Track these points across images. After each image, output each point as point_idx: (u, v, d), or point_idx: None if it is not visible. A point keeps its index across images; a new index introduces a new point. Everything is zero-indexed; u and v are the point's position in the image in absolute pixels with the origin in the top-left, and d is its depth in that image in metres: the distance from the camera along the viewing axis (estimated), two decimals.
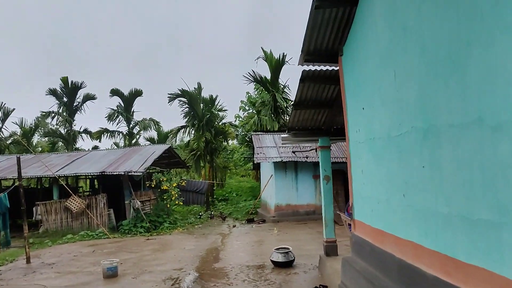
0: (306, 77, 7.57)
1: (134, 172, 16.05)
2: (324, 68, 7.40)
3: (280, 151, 17.47)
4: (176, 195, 17.46)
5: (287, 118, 24.24)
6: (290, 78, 39.33)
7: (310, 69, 7.38)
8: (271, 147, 17.94)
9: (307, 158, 16.69)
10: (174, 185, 17.46)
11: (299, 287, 7.95)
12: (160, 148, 18.55)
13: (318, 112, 8.90)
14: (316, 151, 10.28)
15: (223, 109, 25.05)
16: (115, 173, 16.17)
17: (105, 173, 16.39)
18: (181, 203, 18.19)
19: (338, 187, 17.40)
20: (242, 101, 27.67)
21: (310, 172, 17.28)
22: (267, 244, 12.67)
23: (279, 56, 23.34)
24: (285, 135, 9.80)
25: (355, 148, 6.44)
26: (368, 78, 5.65)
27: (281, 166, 17.22)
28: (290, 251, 9.89)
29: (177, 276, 9.09)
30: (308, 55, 7.00)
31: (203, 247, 12.52)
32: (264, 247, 12.21)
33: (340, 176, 17.41)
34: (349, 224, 7.98)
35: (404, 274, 4.57)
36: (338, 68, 7.30)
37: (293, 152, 17.25)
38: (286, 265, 9.60)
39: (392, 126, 4.82)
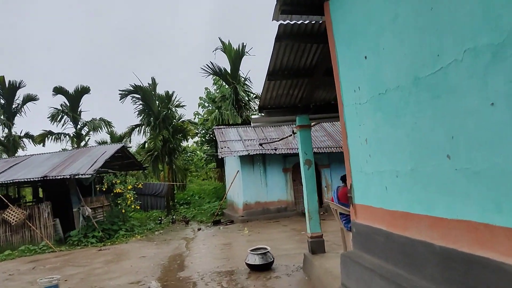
0: (283, 34, 6.15)
1: (82, 175, 14.10)
2: (306, 22, 6.02)
3: (246, 144, 16.02)
4: (132, 198, 15.60)
5: (250, 113, 22.86)
6: (251, 71, 38.02)
7: (288, 23, 5.97)
8: (236, 140, 16.46)
9: (275, 150, 15.34)
10: (129, 187, 15.60)
11: None
12: (112, 148, 16.62)
13: (295, 85, 7.51)
14: (293, 134, 8.86)
15: (180, 105, 23.27)
16: (59, 177, 14.13)
17: (48, 178, 14.32)
18: (138, 207, 16.32)
19: None
20: (200, 98, 26.05)
21: (279, 165, 15.93)
22: (238, 246, 11.17)
23: (239, 47, 21.96)
24: (256, 117, 8.37)
25: (353, 113, 5.08)
26: (374, 14, 4.30)
27: (247, 161, 15.77)
28: (268, 251, 8.45)
29: None
30: (285, 5, 5.60)
31: (165, 254, 10.84)
32: (235, 250, 10.70)
33: None
34: (342, 214, 6.63)
35: (453, 268, 3.22)
36: (322, 21, 5.95)
37: (260, 144, 15.85)
38: (265, 268, 8.16)
39: (423, 63, 3.48)
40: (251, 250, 8.54)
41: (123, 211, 15.26)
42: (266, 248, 8.60)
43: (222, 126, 17.98)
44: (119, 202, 15.49)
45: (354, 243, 5.34)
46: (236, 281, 7.49)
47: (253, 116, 8.61)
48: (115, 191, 15.37)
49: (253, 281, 7.38)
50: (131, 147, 19.56)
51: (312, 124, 8.17)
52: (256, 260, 8.22)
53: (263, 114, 8.13)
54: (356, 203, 5.16)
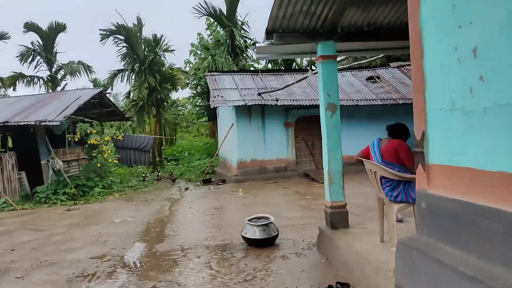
0: None
1: (50, 121, 11.98)
2: None
3: (243, 94, 13.89)
4: (110, 151, 13.57)
5: (247, 62, 20.57)
6: (250, 13, 35.00)
7: None
8: (231, 89, 14.31)
9: (277, 101, 13.26)
10: (106, 138, 13.53)
11: (297, 285, 4.65)
12: (88, 93, 14.40)
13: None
14: (310, 72, 6.76)
15: (169, 49, 20.77)
16: (22, 123, 12.00)
17: (9, 124, 12.18)
18: (116, 161, 14.30)
19: (313, 137, 14.23)
20: (192, 44, 23.49)
21: (280, 119, 13.90)
22: (232, 211, 9.31)
23: None
24: (263, 44, 6.22)
25: (442, 5, 3.03)
26: None
27: (244, 112, 13.70)
28: (271, 222, 6.56)
29: (94, 271, 5.56)
30: None
31: (144, 219, 8.96)
32: (228, 216, 8.84)
33: (315, 123, 14.19)
34: (384, 178, 4.68)
35: None
36: None
37: (259, 94, 13.74)
38: (267, 243, 6.31)
39: None
40: (249, 220, 6.66)
41: (99, 165, 13.25)
42: (268, 218, 6.71)
43: (215, 73, 15.75)
44: (94, 155, 13.44)
45: (423, 226, 3.38)
46: (230, 262, 5.63)
47: (258, 44, 6.56)
48: (89, 142, 13.28)
49: (252, 262, 5.53)
50: (110, 93, 17.29)
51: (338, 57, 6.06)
52: (256, 233, 6.35)
53: (272, 41, 6.00)
54: (434, 163, 3.17)
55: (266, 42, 6.13)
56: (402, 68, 15.95)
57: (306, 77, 11.98)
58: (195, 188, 13.64)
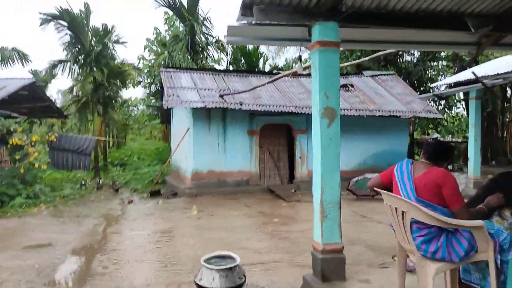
0: None
1: None
2: None
3: (202, 95, 12.10)
4: (37, 154, 11.33)
5: (208, 60, 18.81)
6: (213, 10, 33.03)
7: None
8: (189, 88, 12.48)
9: (241, 105, 11.57)
10: (34, 138, 11.27)
11: None
12: (16, 84, 12.08)
13: None
14: (299, 64, 5.10)
15: (120, 41, 18.56)
16: None
17: None
18: (45, 166, 12.02)
19: (279, 148, 12.66)
20: (148, 39, 21.41)
21: (244, 126, 12.22)
22: (183, 237, 7.46)
23: None
24: (236, 24, 4.52)
25: None
26: None
27: (203, 116, 11.92)
28: (236, 265, 4.84)
29: None
30: None
31: (68, 244, 6.94)
32: (178, 244, 6.98)
33: (282, 132, 12.65)
34: (416, 223, 3.10)
35: None
36: None
37: (221, 96, 12.00)
38: None
39: None
40: (207, 260, 4.90)
41: (22, 170, 10.94)
42: (232, 258, 4.97)
43: (171, 69, 13.84)
44: (17, 158, 11.14)
45: None
46: None
47: (229, 24, 4.95)
48: (11, 142, 10.98)
49: None
50: (45, 84, 14.91)
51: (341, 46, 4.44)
52: (215, 280, 4.58)
53: (249, 22, 4.33)
54: None
55: (242, 22, 4.45)
56: (376, 78, 14.77)
57: (277, 79, 10.40)
58: (140, 201, 11.64)
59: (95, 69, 17.31)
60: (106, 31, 18.18)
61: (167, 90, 12.12)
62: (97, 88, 17.80)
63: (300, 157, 12.49)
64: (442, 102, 20.14)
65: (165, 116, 16.34)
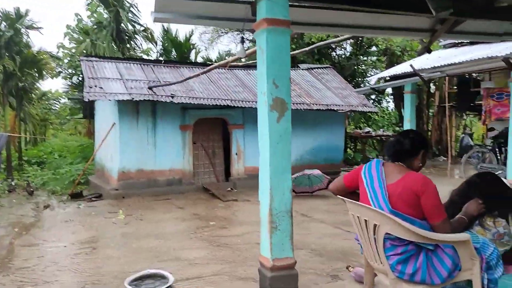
0: None
1: None
2: None
3: (129, 86, 11.02)
4: None
5: (136, 50, 17.55)
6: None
7: None
8: (114, 79, 11.32)
9: (172, 97, 10.68)
10: None
11: None
12: None
13: None
14: (240, 47, 4.42)
15: (34, 25, 16.67)
16: None
17: None
18: None
19: (214, 144, 11.95)
20: (68, 26, 19.58)
21: (176, 121, 11.32)
22: (107, 249, 6.49)
23: None
24: None
25: None
26: None
27: (130, 110, 10.86)
28: (169, 287, 4.08)
29: None
30: None
31: None
32: (101, 259, 6.01)
33: (217, 127, 11.94)
34: (390, 239, 2.56)
35: None
36: None
37: (150, 88, 11.00)
38: None
39: None
40: (133, 282, 4.09)
41: None
42: (163, 276, 4.21)
43: (93, 58, 12.54)
44: None
45: None
46: None
47: None
48: None
49: None
50: None
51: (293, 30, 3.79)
52: None
53: None
54: None
55: None
56: (313, 71, 14.49)
57: (212, 69, 9.66)
58: (59, 205, 10.36)
59: (4, 56, 15.36)
60: (19, 15, 16.25)
61: (88, 81, 10.88)
62: (8, 79, 15.85)
63: (236, 153, 11.85)
64: (373, 96, 20.53)
65: (89, 110, 14.91)
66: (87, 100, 10.54)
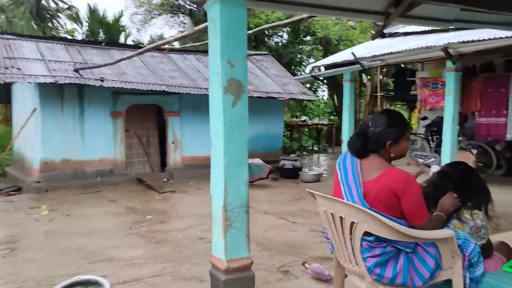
0: None
1: None
2: None
3: (52, 68, 9.96)
4: None
5: (60, 31, 16.13)
6: None
7: None
8: (35, 60, 10.18)
9: (102, 81, 9.82)
10: None
11: None
12: None
13: None
14: (188, 21, 4.00)
15: None
16: None
17: None
18: None
19: (149, 132, 11.28)
20: None
21: (106, 107, 10.46)
22: (29, 251, 5.70)
23: None
24: None
25: None
26: None
27: (53, 94, 9.84)
28: None
29: None
30: None
31: None
32: (21, 260, 5.25)
33: (152, 114, 11.26)
34: (370, 238, 2.27)
35: None
36: None
37: (76, 70, 10.03)
38: None
39: None
40: None
41: None
42: (97, 282, 3.68)
43: (10, 36, 11.20)
44: None
45: None
46: None
47: None
48: None
49: None
50: None
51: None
52: None
53: None
54: None
55: None
56: (251, 57, 14.14)
57: (147, 50, 8.94)
58: None
59: None
60: None
61: (3, 61, 9.66)
62: None
63: (173, 142, 11.23)
64: (308, 85, 20.69)
65: (5, 94, 13.43)
66: (2, 83, 9.35)
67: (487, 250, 2.52)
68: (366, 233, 2.20)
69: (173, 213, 7.80)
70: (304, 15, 6.47)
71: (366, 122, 2.55)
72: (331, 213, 2.34)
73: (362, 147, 2.45)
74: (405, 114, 25.25)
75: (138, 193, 9.53)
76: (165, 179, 10.69)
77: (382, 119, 2.47)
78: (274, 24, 8.34)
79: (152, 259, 5.14)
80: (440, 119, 9.92)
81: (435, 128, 10.00)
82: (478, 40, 7.18)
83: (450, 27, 4.97)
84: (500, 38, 6.78)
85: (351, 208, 2.22)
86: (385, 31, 12.73)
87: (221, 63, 3.03)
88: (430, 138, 10.12)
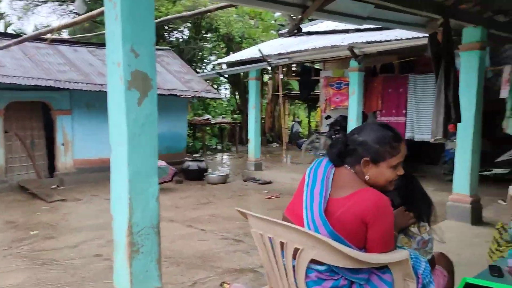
0: None
1: None
2: None
3: None
4: None
5: None
6: None
7: None
8: None
9: None
10: None
11: None
12: None
13: None
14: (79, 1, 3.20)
15: None
16: None
17: None
18: None
19: (33, 132, 9.98)
20: None
21: None
22: None
23: None
24: None
25: None
26: None
27: None
28: None
29: None
30: None
31: None
32: None
33: (37, 112, 9.96)
34: (324, 273, 1.86)
35: None
36: None
37: None
38: None
39: None
40: None
41: None
42: None
43: None
44: None
45: None
46: None
47: None
48: None
49: None
50: None
51: None
52: None
53: None
54: None
55: None
56: None
57: (28, 39, 7.76)
58: None
59: None
60: None
61: None
62: None
63: (63, 144, 9.99)
64: (209, 82, 20.26)
65: None
66: None
67: (431, 265, 2.30)
68: (315, 261, 1.81)
69: (64, 226, 6.80)
70: (210, 7, 6.05)
71: (356, 128, 2.16)
72: (268, 237, 1.91)
73: (338, 153, 2.03)
74: (303, 114, 26.10)
75: (21, 203, 8.25)
76: (54, 186, 9.47)
77: (372, 131, 2.02)
78: (178, 15, 7.73)
79: (38, 286, 4.30)
80: (342, 118, 10.17)
81: (338, 127, 10.21)
82: (381, 41, 7.35)
83: (364, 25, 4.86)
84: (401, 39, 6.99)
85: (295, 232, 1.81)
86: (288, 29, 12.76)
87: (123, 51, 2.44)
88: (333, 137, 10.30)
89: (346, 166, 1.99)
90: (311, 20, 11.66)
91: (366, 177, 1.95)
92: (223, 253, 5.29)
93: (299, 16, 4.29)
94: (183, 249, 5.46)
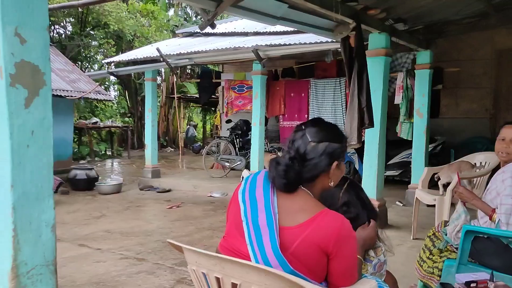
0: None
1: None
2: None
3: None
4: None
5: None
6: None
7: None
8: None
9: None
10: None
11: None
12: None
13: None
14: None
15: None
16: None
17: None
18: None
19: None
20: None
21: None
22: None
23: None
24: None
25: None
26: None
27: None
28: None
29: None
30: None
31: None
32: None
33: None
34: None
35: None
36: None
37: None
38: None
39: None
40: None
41: None
42: None
43: None
44: None
45: None
46: None
47: None
48: None
49: None
50: None
51: None
52: None
53: None
54: None
55: None
56: None
57: None
58: None
59: None
60: None
61: None
62: None
63: None
64: (97, 83, 18.82)
65: None
66: None
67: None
68: None
69: None
70: None
71: (298, 136, 1.64)
72: (217, 277, 1.49)
73: (296, 178, 1.57)
74: (197, 118, 25.66)
75: None
76: None
77: (322, 131, 1.63)
78: (65, 4, 6.81)
79: None
80: (243, 122, 9.99)
81: (239, 131, 10.01)
82: (285, 44, 7.27)
83: (277, 24, 4.65)
84: (305, 44, 6.97)
85: (254, 272, 1.41)
86: (187, 30, 12.30)
87: (2, 35, 1.82)
88: (235, 141, 10.09)
89: (301, 187, 1.61)
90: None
91: (332, 183, 1.63)
92: (125, 276, 4.64)
93: (214, 11, 3.90)
94: (76, 274, 4.69)
